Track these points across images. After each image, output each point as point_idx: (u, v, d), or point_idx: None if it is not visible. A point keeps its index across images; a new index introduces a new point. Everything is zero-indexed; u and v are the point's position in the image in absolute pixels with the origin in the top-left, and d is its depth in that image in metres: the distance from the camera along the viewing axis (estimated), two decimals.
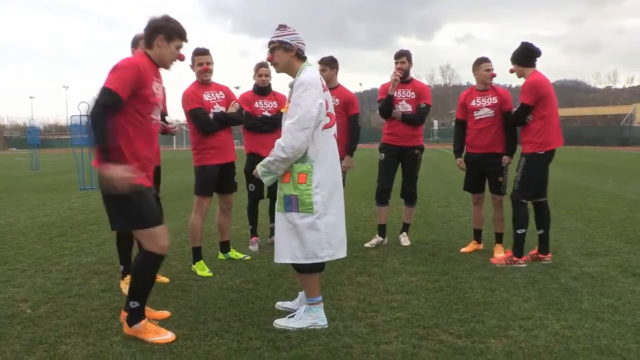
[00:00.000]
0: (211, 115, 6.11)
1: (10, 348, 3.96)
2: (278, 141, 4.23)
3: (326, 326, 4.36)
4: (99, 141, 3.81)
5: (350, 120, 7.23)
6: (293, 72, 4.43)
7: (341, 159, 6.24)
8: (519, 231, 6.34)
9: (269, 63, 5.81)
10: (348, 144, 7.16)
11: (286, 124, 4.23)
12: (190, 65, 6.16)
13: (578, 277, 5.73)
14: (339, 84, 7.36)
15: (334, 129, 4.48)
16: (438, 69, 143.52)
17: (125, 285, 5.30)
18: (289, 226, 4.30)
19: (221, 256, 6.66)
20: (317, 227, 4.27)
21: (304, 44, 4.44)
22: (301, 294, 4.70)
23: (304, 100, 4.18)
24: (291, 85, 4.37)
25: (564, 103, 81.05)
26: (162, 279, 5.68)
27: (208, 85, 6.23)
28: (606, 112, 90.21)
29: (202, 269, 6.00)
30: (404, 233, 7.66)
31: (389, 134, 7.33)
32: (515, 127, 6.70)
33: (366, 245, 7.35)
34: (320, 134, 4.30)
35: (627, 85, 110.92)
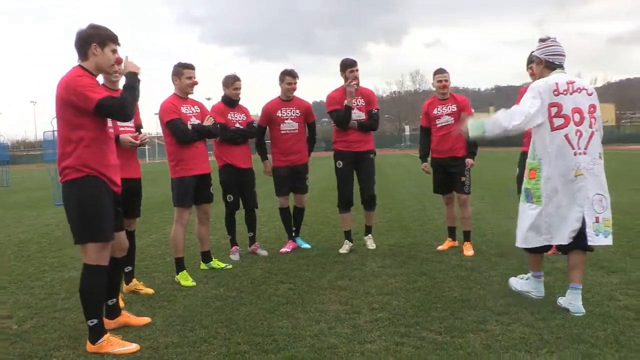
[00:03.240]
0: (189, 127, 6.22)
1: None
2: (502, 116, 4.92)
3: (540, 297, 5.05)
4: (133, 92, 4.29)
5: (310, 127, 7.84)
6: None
7: (302, 164, 7.50)
8: None
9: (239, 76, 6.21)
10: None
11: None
12: (173, 77, 6.30)
13: (550, 273, 5.93)
14: (294, 96, 7.70)
15: (568, 129, 4.74)
16: (408, 74, 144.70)
17: (131, 288, 5.70)
18: (521, 213, 5.05)
19: (203, 266, 6.76)
20: (540, 217, 4.87)
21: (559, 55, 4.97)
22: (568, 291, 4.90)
23: (524, 98, 4.89)
24: None
25: None
26: (146, 290, 5.78)
27: (185, 99, 6.35)
28: None
29: (185, 279, 6.09)
30: (369, 235, 7.84)
31: (342, 141, 7.49)
32: None
33: (341, 251, 7.51)
34: (550, 135, 4.77)
35: (591, 86, 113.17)
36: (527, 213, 4.96)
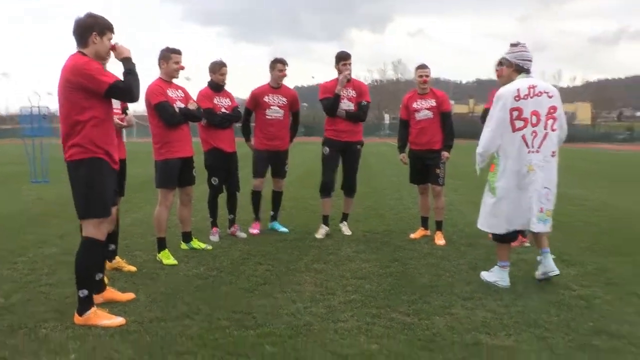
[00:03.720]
0: (176, 109, 6.42)
1: None
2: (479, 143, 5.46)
3: (506, 286, 5.38)
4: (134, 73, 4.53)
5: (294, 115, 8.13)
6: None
7: (283, 150, 7.81)
8: None
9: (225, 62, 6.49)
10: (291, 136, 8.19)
11: (485, 129, 5.47)
12: (161, 61, 6.48)
13: (515, 264, 6.24)
14: (282, 84, 7.97)
15: (526, 130, 5.30)
16: (390, 63, 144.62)
17: (114, 265, 5.88)
18: (484, 202, 5.61)
19: (184, 246, 6.97)
20: (498, 207, 5.43)
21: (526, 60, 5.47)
22: (538, 259, 5.58)
23: (493, 110, 5.42)
24: None
25: None
26: (129, 267, 5.98)
27: (170, 83, 6.54)
28: None
29: (167, 258, 6.31)
30: (344, 222, 8.15)
31: (332, 129, 7.75)
32: (451, 126, 7.64)
33: (316, 235, 7.77)
34: (509, 136, 5.32)
35: (570, 85, 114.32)
36: (487, 201, 5.52)
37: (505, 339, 4.12)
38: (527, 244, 7.04)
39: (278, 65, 7.83)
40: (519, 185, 5.33)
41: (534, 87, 5.30)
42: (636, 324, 4.41)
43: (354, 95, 7.68)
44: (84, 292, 4.42)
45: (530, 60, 5.44)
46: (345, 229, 8.04)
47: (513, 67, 5.45)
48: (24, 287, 5.38)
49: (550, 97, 5.35)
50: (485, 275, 5.64)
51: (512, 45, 5.51)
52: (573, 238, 7.59)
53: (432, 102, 7.56)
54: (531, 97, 5.28)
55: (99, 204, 4.41)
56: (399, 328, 4.31)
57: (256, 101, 7.80)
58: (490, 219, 5.49)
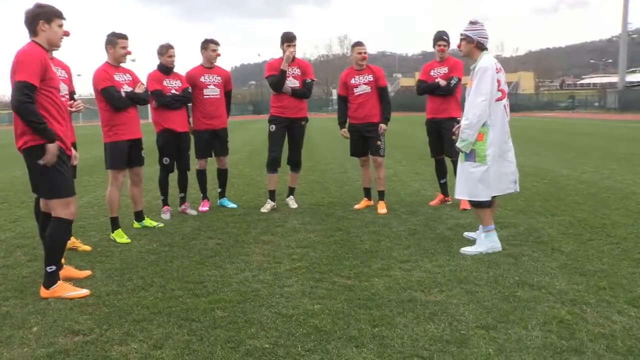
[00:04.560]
0: (122, 94, 6.62)
1: None
2: (467, 116, 5.66)
3: (500, 249, 5.69)
4: (36, 128, 4.47)
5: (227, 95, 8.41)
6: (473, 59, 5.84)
7: (223, 128, 8.11)
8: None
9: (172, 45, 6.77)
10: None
11: (476, 100, 5.62)
12: (107, 46, 6.64)
13: (452, 228, 6.72)
14: (215, 65, 8.23)
15: (505, 101, 5.78)
16: (336, 38, 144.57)
17: (70, 246, 5.98)
18: (467, 172, 5.77)
19: (136, 225, 7.21)
20: (488, 174, 5.68)
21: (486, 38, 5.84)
22: (481, 226, 5.88)
23: (484, 82, 5.59)
24: (472, 68, 5.76)
25: None
26: (84, 247, 6.21)
27: (117, 67, 6.72)
28: None
29: (120, 237, 6.55)
30: (291, 196, 8.51)
31: (277, 107, 8.06)
32: (388, 100, 8.09)
33: (262, 210, 8.09)
34: (493, 105, 5.64)
35: (513, 55, 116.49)
36: (470, 171, 5.76)
37: (437, 294, 4.53)
38: (450, 202, 7.92)
39: (211, 46, 8.08)
40: (500, 152, 5.74)
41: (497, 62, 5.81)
42: (556, 276, 4.88)
43: (299, 74, 7.98)
44: (51, 268, 4.69)
45: (488, 38, 5.86)
46: (292, 202, 8.39)
47: (474, 43, 5.79)
48: None
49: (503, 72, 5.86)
50: (470, 250, 5.74)
51: (472, 22, 5.87)
52: (508, 202, 8.07)
53: (370, 78, 7.91)
54: (501, 71, 5.78)
55: (62, 184, 4.66)
56: (340, 290, 4.68)
57: (192, 82, 8.00)
58: (476, 186, 5.73)
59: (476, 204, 5.83)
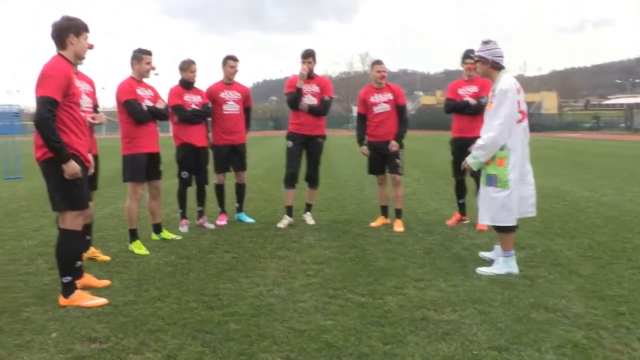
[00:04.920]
0: (144, 107, 6.74)
1: None
2: (482, 137, 5.65)
3: (517, 273, 5.61)
4: (52, 146, 4.55)
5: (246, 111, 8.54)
6: (492, 79, 5.85)
7: (241, 144, 8.18)
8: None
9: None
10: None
11: (493, 122, 5.58)
12: (133, 61, 6.80)
13: (468, 248, 6.72)
14: (235, 81, 8.36)
15: (525, 123, 5.74)
16: (357, 56, 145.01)
17: (89, 255, 6.16)
18: (489, 197, 5.70)
19: (154, 237, 7.31)
20: (510, 199, 5.62)
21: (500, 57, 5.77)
22: (497, 247, 5.97)
23: (504, 105, 5.54)
24: (493, 90, 5.71)
25: None
26: (103, 257, 6.31)
27: (140, 82, 6.85)
28: None
29: (139, 248, 6.65)
30: (308, 213, 8.56)
31: (295, 123, 8.15)
32: (406, 119, 8.12)
33: (279, 225, 8.13)
34: (514, 128, 5.60)
35: (536, 74, 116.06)
36: (492, 196, 5.69)
37: (450, 314, 4.54)
38: (467, 221, 7.91)
39: (229, 62, 8.24)
40: (521, 176, 5.71)
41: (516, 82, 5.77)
42: (573, 300, 4.85)
43: (317, 91, 8.06)
44: (67, 278, 4.79)
45: (503, 57, 5.81)
46: (309, 219, 8.44)
47: (489, 63, 5.77)
48: (5, 276, 5.69)
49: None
50: (486, 270, 5.71)
51: (485, 42, 5.84)
52: (526, 223, 8.02)
53: (389, 96, 7.98)
54: (521, 91, 5.76)
55: (76, 197, 4.74)
56: (353, 306, 4.71)
57: (212, 98, 8.12)
58: (501, 212, 5.66)
59: (501, 229, 5.76)
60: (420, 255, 6.41)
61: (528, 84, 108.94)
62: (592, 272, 5.70)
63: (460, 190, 8.27)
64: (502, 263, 5.72)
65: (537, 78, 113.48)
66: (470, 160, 5.81)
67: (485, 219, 5.84)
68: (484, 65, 5.83)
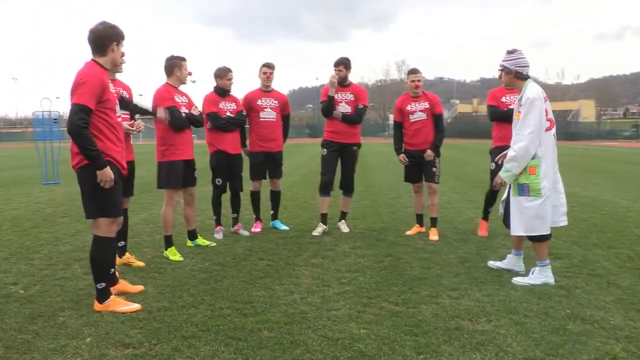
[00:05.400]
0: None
1: (14, 320, 4.60)
2: (513, 147, 5.59)
3: (553, 283, 5.53)
4: (88, 154, 4.59)
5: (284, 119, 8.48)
6: (518, 89, 5.85)
7: (278, 151, 8.19)
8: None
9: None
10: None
11: (523, 132, 5.53)
12: (174, 68, 6.84)
13: (504, 257, 6.56)
14: (273, 88, 8.39)
15: (553, 130, 5.70)
16: (394, 63, 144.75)
17: (124, 261, 6.26)
18: (522, 207, 5.63)
19: (189, 243, 7.35)
20: (544, 207, 5.57)
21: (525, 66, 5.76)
22: (509, 255, 6.11)
23: (533, 114, 5.50)
24: (519, 100, 5.70)
25: None
26: (138, 263, 6.36)
27: (176, 89, 6.91)
28: (555, 108, 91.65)
29: (174, 254, 6.69)
30: (343, 221, 8.53)
31: (330, 131, 8.17)
32: (443, 128, 8.06)
33: (313, 233, 8.13)
34: (543, 136, 5.57)
35: (574, 82, 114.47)
36: (525, 205, 5.62)
37: (485, 324, 4.47)
38: None
39: (263, 69, 8.27)
40: (554, 183, 5.69)
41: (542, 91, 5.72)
42: (610, 311, 4.74)
43: (352, 99, 8.06)
44: (101, 285, 4.85)
45: (528, 66, 5.77)
46: (344, 227, 8.41)
47: (513, 73, 5.76)
48: (41, 280, 5.77)
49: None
50: (521, 281, 5.63)
51: (509, 52, 5.82)
52: (562, 233, 7.91)
53: (425, 105, 7.93)
54: (547, 100, 5.71)
55: (111, 204, 4.79)
56: (387, 315, 4.67)
57: (249, 105, 8.18)
58: (534, 221, 5.60)
59: (535, 238, 5.68)
60: (455, 265, 6.33)
61: (566, 91, 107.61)
62: (631, 283, 5.58)
63: (491, 200, 8.11)
64: (537, 273, 5.63)
65: (575, 86, 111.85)
66: (503, 175, 5.74)
67: (518, 230, 5.74)
68: (507, 75, 5.84)
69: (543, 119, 5.55)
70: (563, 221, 5.81)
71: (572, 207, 10.39)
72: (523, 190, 5.63)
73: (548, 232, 5.65)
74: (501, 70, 5.90)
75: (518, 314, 4.69)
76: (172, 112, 6.66)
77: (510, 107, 7.70)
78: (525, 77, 5.75)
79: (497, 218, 7.47)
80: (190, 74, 6.96)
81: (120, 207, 4.96)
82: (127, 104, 6.15)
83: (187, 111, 6.85)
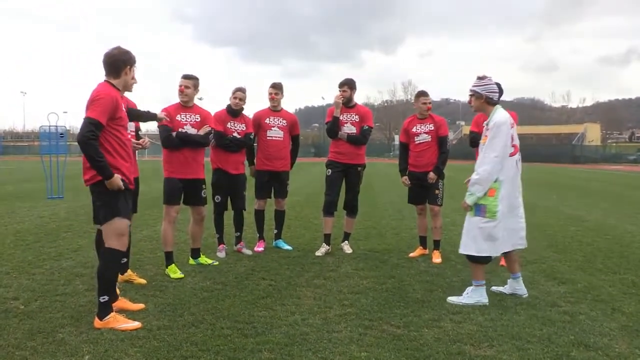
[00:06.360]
0: (174, 134, 6.78)
1: (12, 336, 4.57)
2: (477, 171, 5.66)
3: (487, 304, 5.59)
4: (95, 165, 4.76)
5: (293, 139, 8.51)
6: (487, 113, 5.91)
7: (284, 171, 8.17)
8: None
9: (245, 88, 6.85)
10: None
11: (489, 155, 5.61)
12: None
13: (507, 282, 6.55)
14: (282, 108, 8.41)
15: (517, 156, 5.82)
16: (400, 84, 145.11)
17: (126, 278, 6.25)
18: (476, 227, 5.69)
19: (192, 261, 7.33)
20: (497, 230, 5.66)
21: (495, 92, 5.85)
22: (509, 280, 6.10)
23: (499, 138, 5.59)
24: (487, 124, 5.78)
25: (522, 121, 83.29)
26: (139, 280, 6.34)
27: (187, 107, 6.93)
28: (560, 131, 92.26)
29: (174, 272, 6.67)
30: (346, 241, 8.50)
31: (335, 152, 8.19)
32: (446, 151, 8.07)
33: (316, 253, 8.10)
34: (506, 161, 5.67)
35: (580, 105, 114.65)
36: (480, 226, 5.69)
37: (487, 349, 4.43)
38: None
39: (269, 89, 8.32)
40: (511, 208, 5.75)
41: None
42: (615, 338, 4.70)
43: (357, 120, 8.08)
44: (104, 298, 4.86)
45: (497, 92, 5.88)
46: (347, 247, 8.38)
47: (483, 98, 5.85)
48: (42, 296, 5.75)
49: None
50: (456, 299, 5.75)
51: (479, 78, 5.93)
52: (567, 257, 7.89)
53: (431, 127, 7.95)
54: (514, 126, 5.83)
55: (121, 207, 4.94)
56: (388, 339, 4.63)
57: (258, 123, 8.20)
58: (483, 242, 5.69)
59: (476, 259, 5.77)
60: (458, 288, 6.27)
61: (572, 114, 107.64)
62: (636, 309, 5.53)
63: None
64: (471, 292, 5.72)
65: (581, 109, 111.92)
66: (468, 199, 5.75)
67: (469, 249, 5.78)
68: (478, 100, 5.93)
69: (508, 144, 5.65)
70: (521, 244, 6.00)
71: (577, 231, 10.44)
72: (479, 210, 5.69)
73: (496, 255, 5.84)
74: (471, 95, 5.99)
75: (521, 339, 4.65)
76: (160, 131, 6.77)
77: None
78: (495, 103, 5.85)
79: None
80: (182, 90, 6.89)
81: (128, 212, 5.10)
82: (132, 113, 6.20)
83: (192, 130, 6.84)
